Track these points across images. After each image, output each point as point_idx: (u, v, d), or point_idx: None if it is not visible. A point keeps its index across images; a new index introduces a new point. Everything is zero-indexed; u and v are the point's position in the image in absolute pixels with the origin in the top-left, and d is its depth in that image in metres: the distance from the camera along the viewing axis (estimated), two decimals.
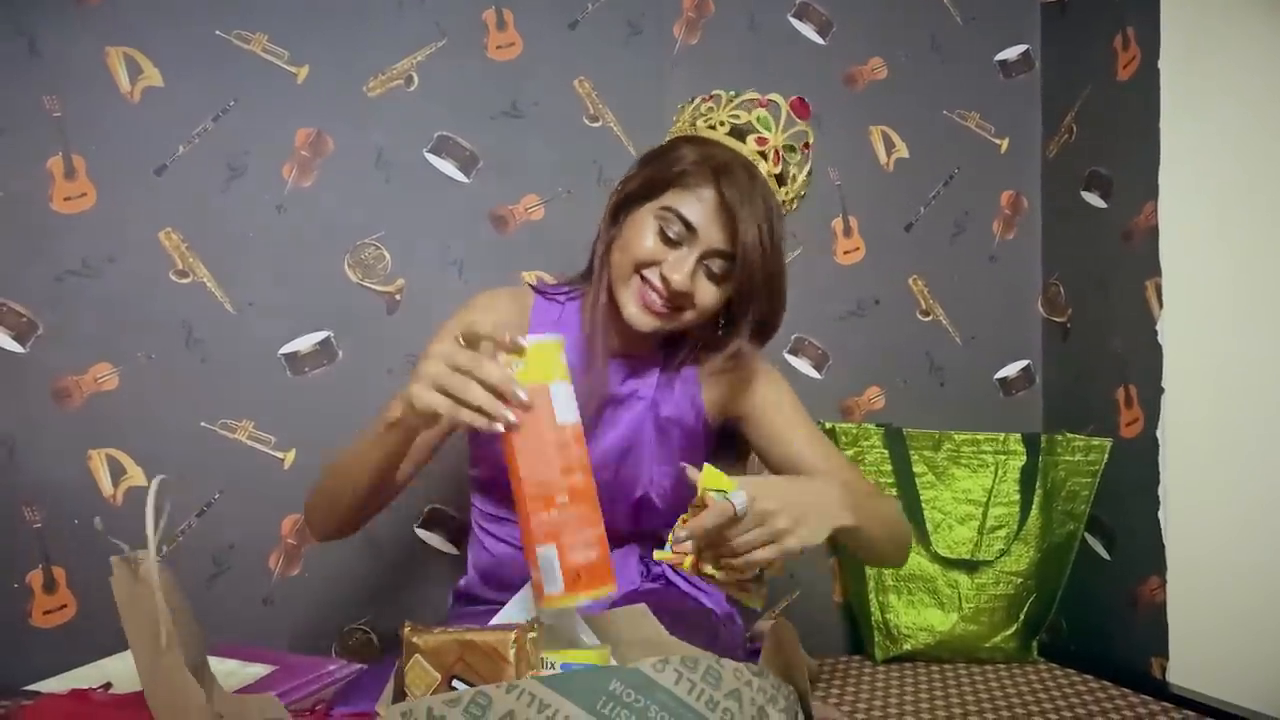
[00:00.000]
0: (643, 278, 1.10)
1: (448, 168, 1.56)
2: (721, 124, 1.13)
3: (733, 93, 1.16)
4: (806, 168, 1.17)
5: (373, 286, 1.52)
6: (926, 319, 1.76)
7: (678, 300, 1.09)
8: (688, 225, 1.08)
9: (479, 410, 0.84)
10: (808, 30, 1.72)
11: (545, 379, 0.86)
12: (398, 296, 1.53)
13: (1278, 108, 1.47)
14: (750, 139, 1.12)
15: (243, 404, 1.46)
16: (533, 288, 1.25)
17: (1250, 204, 1.48)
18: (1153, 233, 1.51)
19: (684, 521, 0.96)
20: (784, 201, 1.15)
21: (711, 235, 1.08)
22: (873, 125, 1.74)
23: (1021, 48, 1.82)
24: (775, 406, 1.22)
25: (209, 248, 1.46)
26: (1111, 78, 1.61)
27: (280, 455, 1.47)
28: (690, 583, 1.27)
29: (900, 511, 1.24)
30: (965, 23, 1.79)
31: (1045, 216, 1.81)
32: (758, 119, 1.12)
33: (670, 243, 1.08)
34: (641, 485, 1.19)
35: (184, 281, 1.45)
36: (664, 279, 1.08)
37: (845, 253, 1.72)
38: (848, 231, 1.72)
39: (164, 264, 1.45)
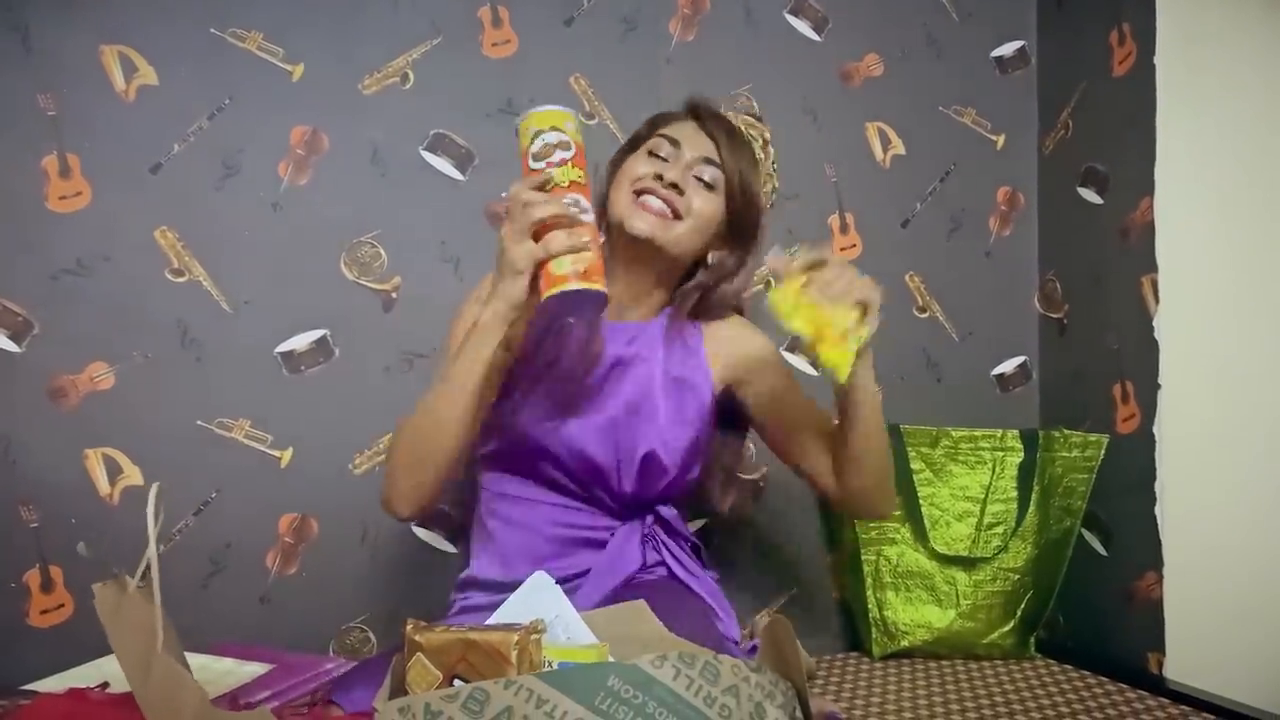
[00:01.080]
0: (640, 189, 1.20)
1: (444, 165, 1.55)
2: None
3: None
4: (771, 162, 1.33)
5: (369, 284, 1.52)
6: (923, 315, 1.76)
7: (673, 201, 1.19)
8: (674, 142, 1.22)
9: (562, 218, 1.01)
10: (803, 26, 1.72)
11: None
12: (394, 294, 1.53)
13: (1274, 103, 1.48)
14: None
15: (239, 403, 1.46)
16: None
17: (1247, 199, 1.48)
18: (1149, 228, 1.51)
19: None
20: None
21: (698, 145, 1.23)
22: (869, 121, 1.74)
23: (1017, 43, 1.82)
24: (770, 368, 1.29)
25: (204, 246, 1.46)
26: (1107, 73, 1.61)
27: (277, 454, 1.47)
28: (689, 570, 1.27)
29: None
30: (961, 19, 1.79)
31: (1041, 212, 1.81)
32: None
33: (660, 160, 1.22)
34: (649, 442, 1.21)
35: (180, 280, 1.45)
36: (658, 176, 1.19)
37: (842, 249, 1.72)
38: (844, 228, 1.72)
39: (159, 263, 1.44)
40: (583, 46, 1.61)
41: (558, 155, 1.06)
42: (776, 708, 0.77)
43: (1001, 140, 1.81)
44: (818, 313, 1.04)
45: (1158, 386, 1.49)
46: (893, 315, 1.73)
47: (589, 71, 1.61)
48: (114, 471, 1.41)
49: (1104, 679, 1.43)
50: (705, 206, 1.21)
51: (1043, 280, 1.80)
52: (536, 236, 1.02)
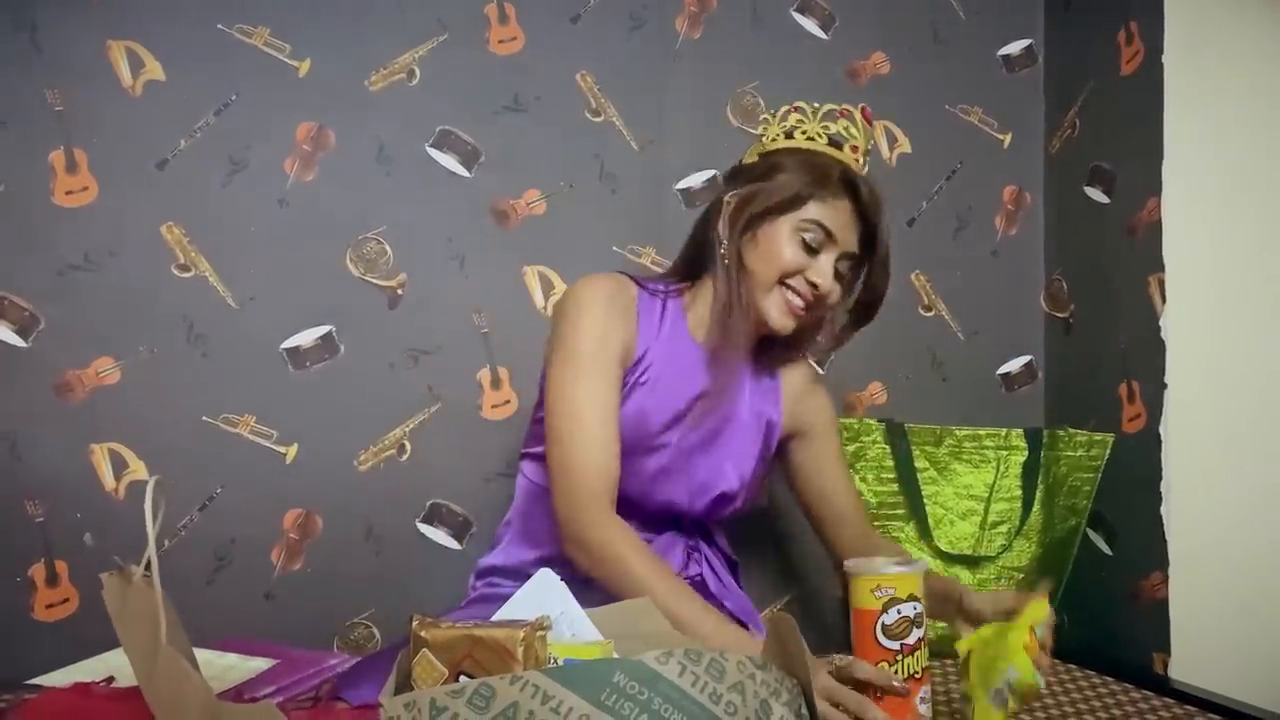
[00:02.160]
0: (787, 285, 1.18)
1: (449, 162, 1.55)
2: (819, 135, 1.22)
3: (816, 105, 1.24)
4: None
5: (374, 281, 1.52)
6: (929, 314, 1.76)
7: (819, 302, 1.19)
8: (828, 233, 1.17)
9: None
10: (810, 25, 1.72)
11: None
12: (399, 291, 1.53)
13: None
14: (846, 147, 1.22)
15: (244, 398, 1.46)
16: (632, 278, 1.27)
17: (1254, 199, 1.48)
18: (1156, 228, 1.50)
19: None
20: None
21: (848, 240, 1.19)
22: (875, 120, 1.74)
23: (1025, 42, 1.81)
24: (832, 432, 1.34)
25: (211, 242, 1.46)
26: (1115, 72, 1.61)
27: (282, 450, 1.47)
28: (724, 585, 1.28)
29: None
30: (968, 17, 1.78)
31: (1048, 212, 1.81)
32: (844, 129, 1.23)
33: (810, 250, 1.17)
34: (727, 478, 1.25)
35: (186, 276, 1.45)
36: (811, 284, 1.18)
37: None
38: None
39: (166, 258, 1.44)
40: (589, 43, 1.61)
41: (914, 636, 0.92)
42: (782, 705, 0.77)
43: (1008, 139, 1.81)
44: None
45: (1164, 386, 1.49)
46: (898, 314, 1.74)
47: (595, 69, 1.61)
48: (119, 466, 1.41)
49: (1109, 679, 1.43)
50: (837, 296, 1.21)
51: (1049, 279, 1.80)
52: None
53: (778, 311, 1.19)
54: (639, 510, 1.25)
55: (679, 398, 1.22)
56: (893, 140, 1.75)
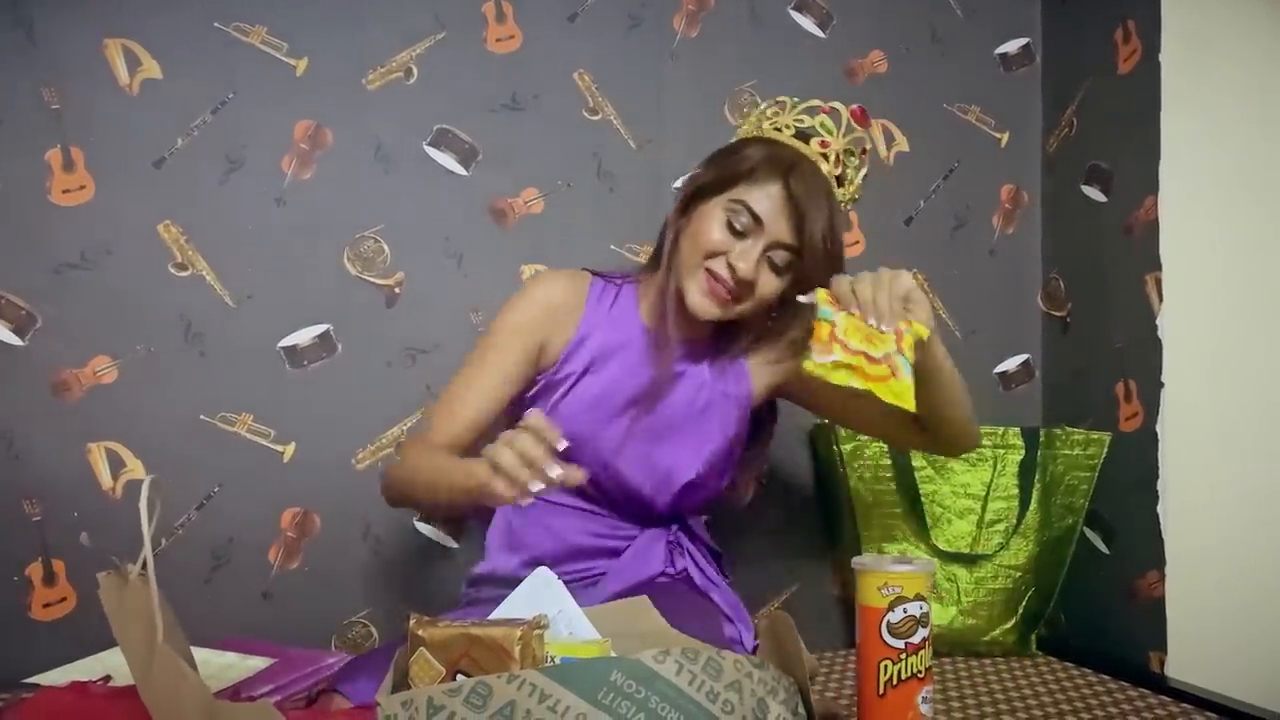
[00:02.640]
0: (708, 269, 1.15)
1: (447, 160, 1.55)
2: (787, 127, 1.20)
3: (797, 100, 1.23)
4: (863, 172, 1.24)
5: (372, 279, 1.52)
6: None
7: (741, 289, 1.15)
8: (755, 217, 1.14)
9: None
10: (807, 23, 1.72)
11: None
12: (397, 289, 1.53)
13: (1279, 101, 1.47)
14: (814, 142, 1.19)
15: (242, 397, 1.46)
16: (591, 271, 1.30)
17: (1251, 198, 1.48)
18: (1153, 227, 1.50)
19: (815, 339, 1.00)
20: (841, 202, 1.21)
21: (778, 228, 1.14)
22: (873, 118, 1.74)
23: (1022, 41, 1.81)
24: None
25: (208, 241, 1.46)
26: (1112, 71, 1.61)
27: (280, 448, 1.47)
28: (709, 579, 1.28)
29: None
30: (966, 16, 1.78)
31: (1045, 210, 1.81)
32: (820, 124, 1.20)
33: (737, 234, 1.14)
34: (690, 465, 1.23)
35: (183, 274, 1.45)
36: (730, 267, 1.14)
37: (846, 246, 1.71)
38: (847, 225, 1.72)
39: (163, 257, 1.44)
40: (586, 42, 1.61)
41: (919, 635, 0.93)
42: (779, 704, 0.77)
43: (1005, 138, 1.81)
44: (855, 359, 0.97)
45: (1161, 385, 1.49)
46: None
47: (592, 67, 1.61)
48: (117, 465, 1.41)
49: (1105, 677, 1.43)
50: (769, 288, 1.17)
51: (1046, 278, 1.80)
52: None
53: (698, 294, 1.16)
54: (612, 508, 1.27)
55: (628, 384, 1.22)
56: (890, 139, 1.75)
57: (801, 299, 1.05)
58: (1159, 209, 1.50)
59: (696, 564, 1.28)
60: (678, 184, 1.63)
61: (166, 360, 1.43)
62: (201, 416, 1.45)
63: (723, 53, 1.66)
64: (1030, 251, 1.81)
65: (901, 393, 0.98)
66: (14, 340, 1.39)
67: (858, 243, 1.72)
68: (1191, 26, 1.49)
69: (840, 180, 1.21)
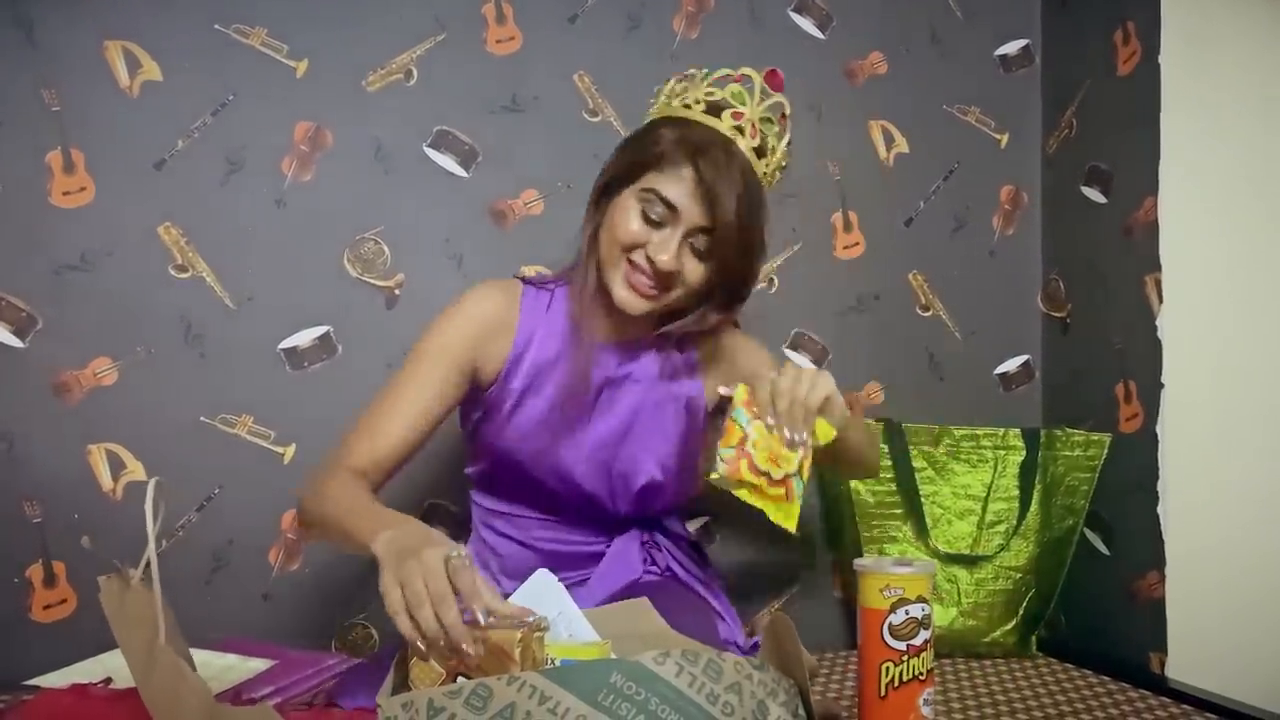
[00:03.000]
0: (630, 261, 1.11)
1: (447, 162, 1.55)
2: (697, 102, 1.14)
3: (706, 70, 1.17)
4: (785, 139, 1.18)
5: (372, 281, 1.52)
6: (926, 314, 1.76)
7: (665, 280, 1.11)
8: (669, 205, 1.09)
9: (423, 637, 0.79)
10: (807, 24, 1.72)
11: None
12: (397, 291, 1.53)
13: (1279, 102, 1.47)
14: (726, 114, 1.12)
15: (242, 399, 1.46)
16: (522, 279, 1.25)
17: (1251, 199, 1.48)
18: (1153, 228, 1.50)
19: (725, 443, 1.01)
20: (764, 174, 1.15)
21: (692, 213, 1.09)
22: (872, 120, 1.74)
23: (1022, 42, 1.81)
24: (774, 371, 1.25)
25: (208, 242, 1.46)
26: (1112, 72, 1.61)
27: (280, 450, 1.47)
28: (691, 574, 1.27)
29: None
30: (965, 17, 1.78)
31: (1045, 211, 1.81)
32: (732, 94, 1.14)
33: (653, 224, 1.10)
34: (646, 468, 1.20)
35: (183, 276, 1.45)
36: (650, 259, 1.10)
37: (845, 248, 1.72)
38: (848, 226, 1.72)
39: (163, 259, 1.44)
40: (586, 43, 1.61)
41: (921, 637, 0.93)
42: (779, 705, 0.77)
43: (1005, 139, 1.81)
44: (758, 480, 1.00)
45: (1161, 386, 1.49)
46: (896, 314, 1.74)
47: (592, 69, 1.61)
48: (117, 467, 1.41)
49: (1106, 678, 1.43)
50: (696, 275, 1.13)
51: (1046, 279, 1.80)
52: None
53: (623, 289, 1.12)
54: (579, 517, 1.25)
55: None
56: (890, 140, 1.75)
57: (723, 391, 1.06)
58: (1159, 210, 1.50)
59: (677, 559, 1.28)
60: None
61: (167, 362, 1.43)
62: (202, 418, 1.45)
63: (722, 54, 1.65)
64: (1030, 252, 1.81)
65: (790, 515, 1.03)
66: (14, 342, 1.39)
67: (858, 244, 1.72)
68: (1191, 27, 1.49)
69: (760, 151, 1.14)
